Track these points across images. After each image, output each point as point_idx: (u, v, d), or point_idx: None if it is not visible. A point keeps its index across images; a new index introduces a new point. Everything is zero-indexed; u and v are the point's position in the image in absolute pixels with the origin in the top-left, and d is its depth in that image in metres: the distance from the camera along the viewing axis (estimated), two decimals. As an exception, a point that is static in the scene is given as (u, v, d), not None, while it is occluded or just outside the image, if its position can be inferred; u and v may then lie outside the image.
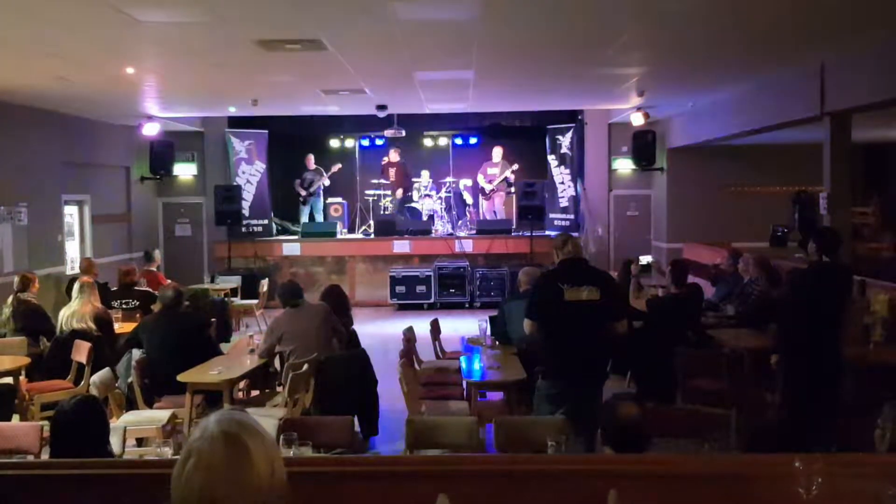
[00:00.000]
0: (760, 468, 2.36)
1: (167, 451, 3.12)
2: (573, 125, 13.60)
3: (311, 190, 13.99)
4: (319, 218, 14.13)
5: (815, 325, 4.99)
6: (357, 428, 5.61)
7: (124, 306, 8.00)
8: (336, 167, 13.96)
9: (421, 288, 12.78)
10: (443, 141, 14.83)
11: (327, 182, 14.06)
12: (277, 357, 6.23)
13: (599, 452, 4.34)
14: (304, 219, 14.04)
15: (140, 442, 5.42)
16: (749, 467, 2.38)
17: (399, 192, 14.06)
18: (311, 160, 14.07)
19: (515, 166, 13.72)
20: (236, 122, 13.36)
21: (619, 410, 2.99)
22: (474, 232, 13.55)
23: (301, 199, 14.06)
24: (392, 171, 13.99)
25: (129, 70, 7.49)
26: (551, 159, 14.13)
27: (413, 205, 14.31)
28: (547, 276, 4.90)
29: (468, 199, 14.56)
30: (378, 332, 10.08)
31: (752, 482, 2.31)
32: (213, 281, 11.67)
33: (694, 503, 2.33)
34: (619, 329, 4.74)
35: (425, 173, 14.28)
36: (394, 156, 13.98)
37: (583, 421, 4.11)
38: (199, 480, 1.38)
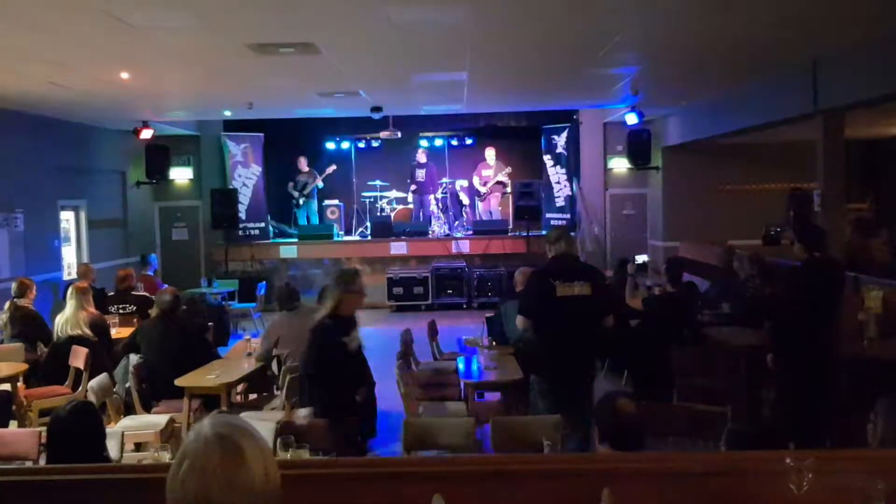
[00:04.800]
0: (753, 465, 2.38)
1: (165, 456, 3.14)
2: (568, 125, 13.63)
3: (305, 192, 14.02)
4: (315, 220, 14.15)
5: (808, 321, 5.02)
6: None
7: (121, 311, 8.01)
8: (331, 168, 13.99)
9: (418, 289, 12.79)
10: (438, 142, 14.85)
11: (321, 184, 14.09)
12: (275, 360, 6.24)
13: (594, 450, 4.38)
14: (302, 221, 14.07)
15: (138, 447, 5.42)
16: (741, 464, 2.40)
17: (432, 195, 14.00)
18: (303, 162, 14.11)
19: (508, 169, 13.76)
20: (232, 126, 13.37)
21: (616, 408, 3.01)
22: (471, 232, 13.57)
23: (294, 202, 14.08)
24: (422, 173, 13.95)
25: (124, 75, 7.49)
26: (547, 159, 14.16)
27: (409, 206, 14.29)
28: (539, 272, 4.98)
29: (464, 199, 14.59)
30: (375, 333, 10.08)
31: (745, 479, 2.33)
32: (210, 285, 11.67)
33: (687, 500, 2.35)
34: (608, 323, 4.83)
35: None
36: (422, 157, 13.97)
37: (576, 417, 4.16)
38: (194, 483, 1.39)
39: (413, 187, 14.04)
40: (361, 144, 14.71)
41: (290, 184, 14.05)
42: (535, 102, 11.48)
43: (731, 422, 4.02)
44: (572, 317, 4.56)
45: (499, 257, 13.14)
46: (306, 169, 14.09)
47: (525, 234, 13.03)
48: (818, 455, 2.24)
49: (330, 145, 14.79)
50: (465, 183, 14.64)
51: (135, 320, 7.69)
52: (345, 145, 14.80)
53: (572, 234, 13.38)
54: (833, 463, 2.29)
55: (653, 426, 3.96)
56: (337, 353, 4.45)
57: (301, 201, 14.09)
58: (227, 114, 11.76)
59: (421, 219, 13.93)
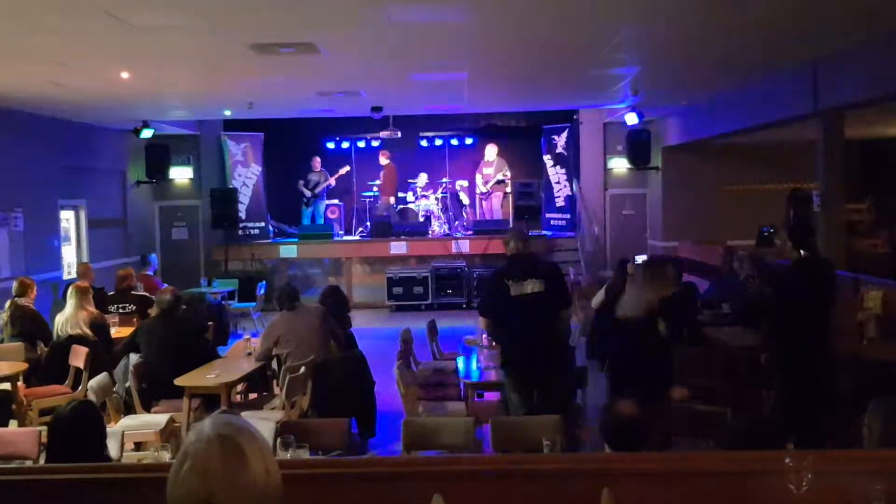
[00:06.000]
0: (752, 465, 2.38)
1: (165, 455, 3.14)
2: (568, 125, 13.63)
3: (316, 191, 14.02)
4: (321, 220, 14.15)
5: (800, 320, 5.02)
6: (355, 430, 5.65)
7: (121, 311, 8.01)
8: (344, 170, 14.02)
9: (418, 289, 12.79)
10: (438, 142, 14.85)
11: (333, 183, 14.11)
12: (275, 360, 6.25)
13: (587, 446, 4.39)
14: (307, 221, 14.08)
15: (138, 446, 5.43)
16: (740, 464, 2.41)
17: (390, 197, 14.10)
18: (317, 162, 14.14)
19: (509, 173, 13.79)
20: (232, 125, 13.37)
21: (619, 409, 3.01)
22: (471, 232, 13.57)
23: (305, 200, 14.09)
24: (381, 175, 14.05)
25: (124, 74, 7.50)
26: (547, 159, 14.16)
27: (408, 206, 14.28)
28: (494, 274, 5.26)
29: (465, 199, 14.59)
30: (375, 333, 10.09)
31: (744, 479, 2.34)
32: (210, 284, 11.67)
33: (686, 500, 2.35)
34: (565, 316, 5.10)
35: (423, 175, 14.30)
36: (382, 159, 14.06)
37: (549, 408, 4.23)
38: (195, 483, 1.40)
39: (375, 189, 14.15)
40: (361, 144, 14.71)
41: (301, 182, 14.06)
42: (535, 102, 11.48)
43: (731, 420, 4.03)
44: (527, 314, 4.79)
45: (499, 257, 13.08)
46: (319, 168, 14.11)
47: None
48: (818, 455, 2.24)
49: (330, 145, 14.79)
50: (465, 183, 14.64)
51: (134, 320, 7.68)
52: (345, 145, 14.80)
53: (572, 234, 13.44)
54: (832, 463, 2.30)
55: (652, 426, 3.96)
56: (651, 337, 4.67)
57: (310, 200, 14.10)
58: (228, 113, 11.76)
59: (369, 220, 13.96)
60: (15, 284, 7.26)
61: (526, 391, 4.80)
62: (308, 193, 14.02)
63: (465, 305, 12.75)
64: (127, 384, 6.24)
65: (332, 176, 14.07)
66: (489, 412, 5.11)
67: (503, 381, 5.05)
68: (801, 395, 4.90)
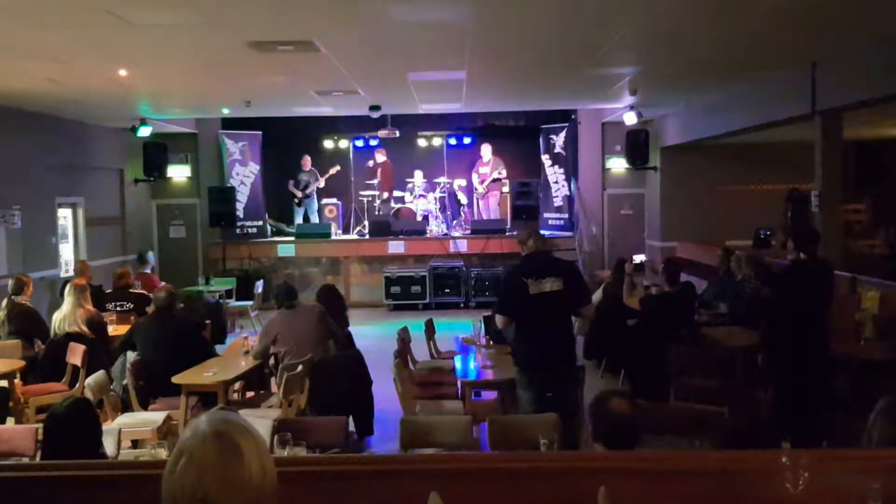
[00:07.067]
0: (748, 464, 2.38)
1: (162, 453, 3.14)
2: (566, 124, 13.62)
3: (307, 192, 14.00)
4: (314, 219, 14.13)
5: (796, 321, 5.03)
6: (352, 428, 5.65)
7: (119, 309, 8.01)
8: (334, 169, 13.97)
9: (416, 288, 12.79)
10: (437, 141, 14.85)
11: (322, 184, 14.08)
12: (272, 358, 6.25)
13: (587, 447, 4.39)
14: (299, 220, 14.05)
15: (135, 444, 5.43)
16: (737, 463, 2.41)
17: (385, 194, 14.10)
18: (307, 161, 14.10)
19: (504, 171, 13.79)
20: (230, 124, 13.35)
21: (611, 407, 3.00)
22: (469, 232, 13.57)
23: (296, 200, 14.06)
24: (378, 172, 14.05)
25: (122, 72, 7.49)
26: (545, 159, 14.15)
27: (406, 206, 14.26)
28: (512, 271, 5.20)
29: (462, 199, 14.58)
30: (373, 332, 10.09)
31: (741, 478, 2.34)
32: (207, 283, 11.67)
33: (683, 499, 2.35)
34: (586, 314, 5.12)
35: (419, 173, 14.29)
36: (379, 157, 14.05)
37: (560, 408, 4.24)
38: (191, 479, 1.39)
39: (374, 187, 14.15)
40: (360, 143, 14.69)
41: (291, 181, 14.04)
42: (533, 102, 11.48)
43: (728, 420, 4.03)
44: (546, 312, 4.75)
45: (496, 257, 13.13)
46: (309, 168, 14.08)
47: (523, 233, 13.00)
48: (814, 454, 2.24)
49: (328, 144, 14.77)
50: (462, 182, 14.63)
51: (132, 318, 7.68)
52: (343, 144, 14.79)
53: (570, 233, 13.45)
54: (829, 463, 2.30)
55: (650, 425, 3.97)
56: None
57: (302, 200, 14.07)
58: (226, 112, 11.75)
59: (353, 218, 13.98)
60: (11, 282, 7.25)
61: (537, 389, 4.73)
62: (299, 194, 14.00)
63: (462, 305, 12.76)
64: (124, 382, 6.24)
65: (322, 176, 14.01)
66: (487, 411, 5.11)
67: (516, 378, 4.95)
68: (797, 395, 4.91)
